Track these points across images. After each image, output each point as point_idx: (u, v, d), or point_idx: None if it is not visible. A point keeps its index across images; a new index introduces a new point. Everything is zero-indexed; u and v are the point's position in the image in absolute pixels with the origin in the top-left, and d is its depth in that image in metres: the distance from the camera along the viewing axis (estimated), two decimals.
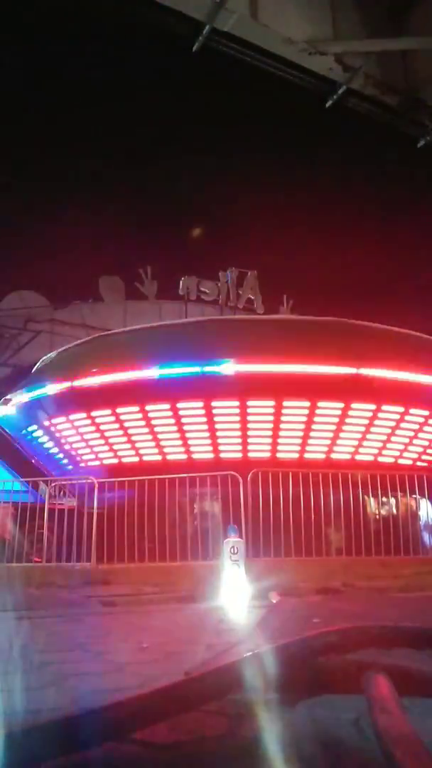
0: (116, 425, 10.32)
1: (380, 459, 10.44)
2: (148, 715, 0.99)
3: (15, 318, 18.90)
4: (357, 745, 1.29)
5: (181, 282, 18.35)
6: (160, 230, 24.98)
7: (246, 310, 19.03)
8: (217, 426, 9.94)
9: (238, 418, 9.86)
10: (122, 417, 10.19)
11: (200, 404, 9.83)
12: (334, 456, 10.24)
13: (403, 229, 21.77)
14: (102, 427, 10.51)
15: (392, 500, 9.77)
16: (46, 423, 11.33)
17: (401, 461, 10.57)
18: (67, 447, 11.39)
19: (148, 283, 19.49)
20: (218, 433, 10.02)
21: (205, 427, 9.97)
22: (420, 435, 10.54)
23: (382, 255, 22.59)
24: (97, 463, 10.94)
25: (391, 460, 10.56)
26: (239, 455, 10.04)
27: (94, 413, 10.41)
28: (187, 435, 10.09)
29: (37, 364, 12.58)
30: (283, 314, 19.97)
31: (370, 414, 10.01)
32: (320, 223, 25.39)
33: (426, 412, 10.35)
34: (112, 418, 10.28)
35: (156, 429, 10.14)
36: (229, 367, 9.65)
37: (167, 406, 9.89)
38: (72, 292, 20.86)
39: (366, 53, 9.51)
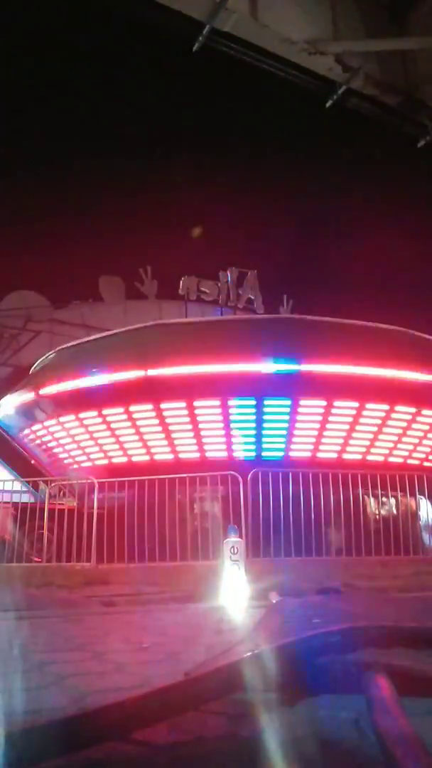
0: (126, 424, 10.33)
1: (370, 458, 10.43)
2: (148, 715, 0.99)
3: (15, 318, 18.90)
4: (357, 745, 1.29)
5: (181, 282, 18.33)
6: (160, 230, 24.96)
7: (246, 310, 19.01)
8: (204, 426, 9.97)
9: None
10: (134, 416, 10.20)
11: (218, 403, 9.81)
12: (336, 456, 10.25)
13: (402, 228, 21.77)
14: (103, 427, 10.50)
15: (392, 500, 9.76)
16: (45, 424, 11.32)
17: (392, 459, 10.56)
18: (68, 447, 11.38)
19: (148, 283, 19.47)
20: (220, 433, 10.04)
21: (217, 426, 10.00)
22: (409, 433, 10.53)
23: (381, 254, 22.59)
24: (98, 462, 10.94)
25: (398, 459, 10.55)
26: (250, 454, 10.06)
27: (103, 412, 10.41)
28: (198, 435, 10.12)
29: (35, 365, 12.59)
30: (284, 314, 19.99)
31: (382, 414, 10.02)
32: (320, 223, 25.41)
33: (414, 409, 10.33)
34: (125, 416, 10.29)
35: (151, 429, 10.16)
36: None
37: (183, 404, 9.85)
38: (72, 292, 20.88)
39: (366, 53, 9.52)
